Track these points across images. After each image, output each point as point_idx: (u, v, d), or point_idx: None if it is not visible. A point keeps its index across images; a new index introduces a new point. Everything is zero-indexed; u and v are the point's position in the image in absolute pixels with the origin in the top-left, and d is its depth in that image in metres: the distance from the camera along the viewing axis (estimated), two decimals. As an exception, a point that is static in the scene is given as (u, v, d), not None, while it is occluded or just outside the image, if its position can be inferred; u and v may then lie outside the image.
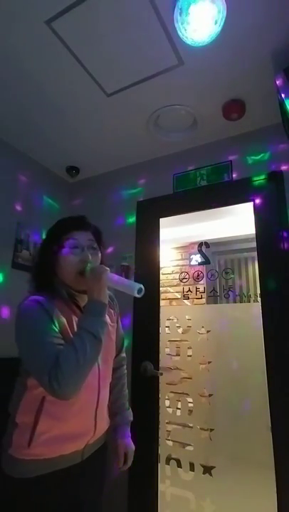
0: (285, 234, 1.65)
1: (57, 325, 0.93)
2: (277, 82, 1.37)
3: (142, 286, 0.96)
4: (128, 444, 1.19)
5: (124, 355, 1.31)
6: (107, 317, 1.12)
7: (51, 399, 0.92)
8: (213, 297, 2.06)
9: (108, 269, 1.00)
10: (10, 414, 1.00)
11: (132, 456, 1.20)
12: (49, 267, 1.03)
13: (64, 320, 0.96)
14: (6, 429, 0.99)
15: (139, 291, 0.96)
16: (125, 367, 1.31)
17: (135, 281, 2.03)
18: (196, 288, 2.14)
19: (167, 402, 1.93)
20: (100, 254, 1.10)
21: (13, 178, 2.04)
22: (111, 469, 1.18)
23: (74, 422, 0.97)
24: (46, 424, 0.93)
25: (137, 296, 0.96)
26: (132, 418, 1.23)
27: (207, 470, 1.73)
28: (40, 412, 0.93)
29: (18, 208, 2.05)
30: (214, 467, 1.72)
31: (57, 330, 0.92)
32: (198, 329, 1.94)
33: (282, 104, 1.39)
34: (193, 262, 2.09)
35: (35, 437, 0.92)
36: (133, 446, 1.21)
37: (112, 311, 1.20)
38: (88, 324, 0.90)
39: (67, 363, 0.82)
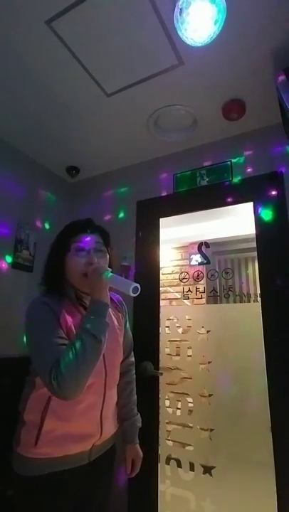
0: (285, 234, 1.65)
1: (63, 325, 0.95)
2: (277, 82, 1.37)
3: (137, 285, 0.96)
4: (136, 451, 1.20)
5: (132, 359, 1.31)
6: (114, 320, 1.13)
7: (57, 399, 0.93)
8: (213, 297, 2.06)
9: (109, 269, 1.01)
10: (19, 412, 1.02)
11: (140, 463, 1.21)
12: (58, 270, 1.05)
13: (70, 320, 0.98)
14: (16, 426, 1.01)
15: (134, 290, 0.96)
16: (134, 372, 1.30)
17: (135, 281, 2.04)
18: (196, 288, 2.14)
19: (167, 402, 1.93)
20: (108, 257, 1.10)
21: (13, 178, 2.04)
22: (118, 474, 1.18)
23: (79, 423, 0.97)
24: (52, 423, 0.94)
25: (132, 295, 0.96)
26: (140, 424, 1.23)
27: (207, 470, 1.73)
28: (46, 412, 0.94)
29: (18, 208, 2.04)
30: (214, 467, 1.72)
31: (62, 330, 0.94)
32: (198, 329, 1.94)
33: (282, 104, 1.39)
34: (193, 262, 2.08)
35: (41, 436, 0.93)
36: (141, 454, 1.22)
37: (120, 315, 1.21)
38: (89, 325, 0.90)
39: (66, 365, 0.83)
